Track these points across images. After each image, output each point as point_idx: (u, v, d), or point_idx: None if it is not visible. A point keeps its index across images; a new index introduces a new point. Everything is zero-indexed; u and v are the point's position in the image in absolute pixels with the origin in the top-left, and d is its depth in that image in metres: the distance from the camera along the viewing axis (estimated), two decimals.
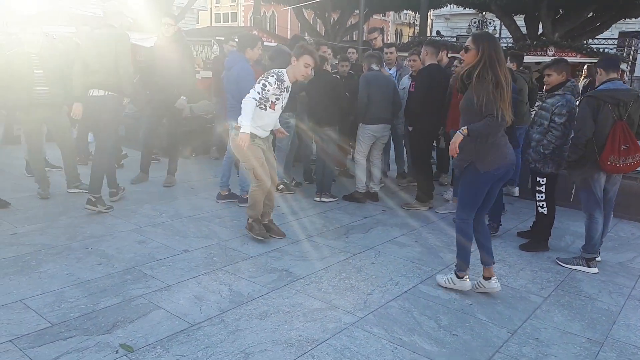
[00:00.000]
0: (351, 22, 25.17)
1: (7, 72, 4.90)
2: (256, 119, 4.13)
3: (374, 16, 28.25)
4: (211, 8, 38.33)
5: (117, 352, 2.68)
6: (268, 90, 4.10)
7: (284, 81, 4.20)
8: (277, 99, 4.21)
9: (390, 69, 6.33)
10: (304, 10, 23.04)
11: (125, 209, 5.07)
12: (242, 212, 5.20)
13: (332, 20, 23.98)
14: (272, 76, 4.12)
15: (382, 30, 7.30)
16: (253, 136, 4.15)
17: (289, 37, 6.98)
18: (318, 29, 25.55)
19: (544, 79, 4.45)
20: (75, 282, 3.44)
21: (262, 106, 4.15)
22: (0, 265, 3.63)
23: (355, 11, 20.89)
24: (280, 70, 4.21)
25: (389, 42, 9.42)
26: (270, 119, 4.30)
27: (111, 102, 4.80)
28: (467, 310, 3.36)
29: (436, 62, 5.45)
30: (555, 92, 4.33)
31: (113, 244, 4.14)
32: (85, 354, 2.66)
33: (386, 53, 6.39)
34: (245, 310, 3.21)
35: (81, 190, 5.42)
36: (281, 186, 6.01)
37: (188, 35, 14.39)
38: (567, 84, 4.33)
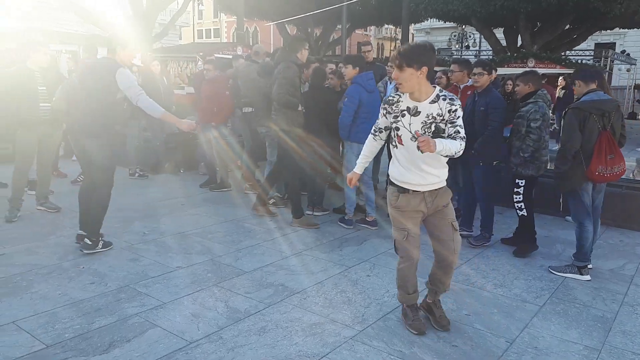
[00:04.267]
0: (333, 37, 25.43)
1: (12, 89, 4.89)
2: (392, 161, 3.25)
3: (356, 31, 28.60)
4: (193, 24, 38.35)
5: None
6: (379, 120, 3.22)
7: (395, 102, 3.07)
8: (397, 129, 3.07)
9: (391, 83, 6.39)
10: (286, 25, 23.22)
11: (115, 227, 4.99)
12: (235, 228, 5.17)
13: (315, 35, 24.19)
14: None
15: (372, 44, 7.36)
16: (399, 189, 3.15)
17: (271, 52, 7.04)
18: None
19: (515, 89, 4.67)
20: (68, 302, 3.37)
21: (393, 143, 3.16)
22: None
23: (338, 26, 21.14)
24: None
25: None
26: (402, 159, 3.14)
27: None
28: (465, 320, 3.37)
29: None
30: (528, 101, 4.54)
31: (105, 262, 4.08)
32: None
33: (390, 66, 6.46)
34: (242, 326, 3.18)
35: (47, 209, 5.39)
36: (272, 200, 6.00)
37: (172, 52, 14.45)
38: (538, 92, 4.54)
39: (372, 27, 41.97)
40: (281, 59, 5.28)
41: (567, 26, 17.48)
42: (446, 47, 28.88)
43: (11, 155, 5.51)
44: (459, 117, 2.94)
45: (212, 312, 3.34)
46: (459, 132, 2.91)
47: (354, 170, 3.42)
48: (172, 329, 3.09)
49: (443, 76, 5.87)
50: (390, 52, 32.84)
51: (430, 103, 2.95)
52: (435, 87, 3.02)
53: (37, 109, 5.02)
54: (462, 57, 18.38)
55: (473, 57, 20.07)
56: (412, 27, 30.26)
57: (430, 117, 2.94)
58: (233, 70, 6.99)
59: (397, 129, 3.03)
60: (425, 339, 3.11)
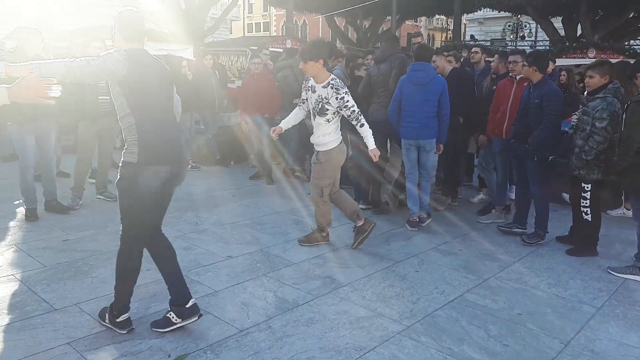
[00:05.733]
0: (383, 28, 25.13)
1: (74, 83, 5.09)
2: None
3: (406, 22, 28.14)
4: (244, 18, 38.98)
5: (169, 356, 2.74)
6: (302, 93, 4.40)
7: (308, 80, 4.28)
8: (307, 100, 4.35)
9: (476, 70, 6.35)
10: (335, 17, 23.15)
11: (169, 216, 5.13)
12: (283, 220, 5.24)
13: (363, 27, 24.01)
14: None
15: (422, 35, 7.30)
16: None
17: None
18: (349, 36, 25.63)
19: (585, 81, 4.35)
20: None
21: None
22: (55, 271, 3.76)
23: (387, 17, 20.87)
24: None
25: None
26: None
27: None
28: (517, 320, 3.28)
29: (457, 67, 5.76)
30: (597, 95, 4.20)
31: None
32: (139, 357, 2.72)
33: (471, 53, 6.70)
34: (291, 316, 3.23)
35: (105, 198, 5.64)
36: None
37: (222, 46, 14.72)
38: (609, 86, 4.17)
39: (423, 18, 41.20)
40: (391, 51, 5.33)
41: (632, 14, 16.50)
42: (500, 37, 27.98)
43: (74, 147, 5.80)
44: (347, 100, 4.03)
45: (262, 301, 3.41)
46: (354, 112, 4.08)
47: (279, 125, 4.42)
48: (223, 317, 3.18)
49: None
50: (440, 43, 32.14)
51: (322, 87, 4.07)
52: (330, 74, 4.13)
53: (96, 102, 5.25)
54: (517, 47, 17.71)
55: (529, 47, 19.33)
56: (465, 17, 29.45)
57: (320, 97, 4.08)
58: (285, 64, 7.07)
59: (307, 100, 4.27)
60: (475, 336, 3.05)
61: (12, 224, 4.79)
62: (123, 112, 2.78)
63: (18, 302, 3.27)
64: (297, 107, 4.46)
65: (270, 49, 11.88)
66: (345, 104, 4.04)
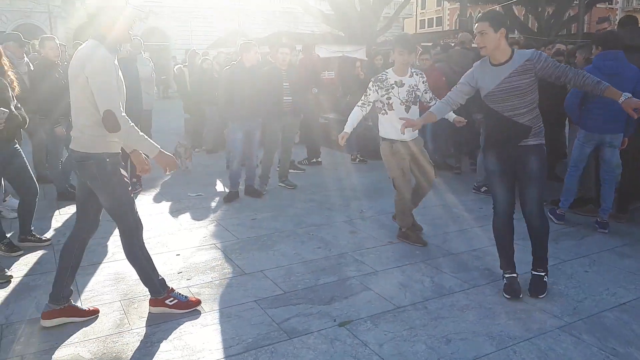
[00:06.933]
0: (569, 14, 22.91)
1: (265, 85, 5.87)
2: (382, 124, 4.36)
3: (597, 5, 25.19)
4: (416, 14, 38.87)
5: (334, 320, 3.14)
6: (369, 95, 4.31)
7: (385, 80, 4.21)
8: (389, 98, 4.21)
9: None
10: (513, 6, 21.83)
11: (339, 204, 5.69)
12: (443, 212, 5.36)
13: (546, 14, 22.20)
14: (371, 81, 4.35)
15: (610, 20, 6.46)
16: (391, 142, 4.27)
17: None
18: (529, 25, 23.91)
19: None
20: (300, 261, 4.07)
21: (382, 111, 4.31)
22: (246, 243, 4.49)
23: (575, 2, 18.99)
24: (384, 71, 4.31)
25: None
26: (394, 121, 4.19)
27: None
28: None
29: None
30: None
31: (330, 232, 4.74)
32: (309, 319, 3.17)
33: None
34: (446, 301, 3.39)
35: (286, 186, 6.35)
36: (484, 188, 5.98)
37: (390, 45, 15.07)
38: None
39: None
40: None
41: None
42: None
43: (261, 141, 6.65)
44: (426, 84, 4.33)
45: (419, 284, 3.64)
46: (431, 95, 4.34)
47: (344, 130, 4.31)
48: (382, 294, 3.48)
49: None
50: None
51: (409, 77, 4.23)
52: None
53: (281, 102, 6.00)
54: None
55: None
56: None
57: (411, 87, 4.21)
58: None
59: (389, 98, 4.20)
60: None
61: (214, 204, 5.78)
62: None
63: (218, 265, 4.02)
64: (358, 108, 4.37)
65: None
66: (428, 89, 4.33)
